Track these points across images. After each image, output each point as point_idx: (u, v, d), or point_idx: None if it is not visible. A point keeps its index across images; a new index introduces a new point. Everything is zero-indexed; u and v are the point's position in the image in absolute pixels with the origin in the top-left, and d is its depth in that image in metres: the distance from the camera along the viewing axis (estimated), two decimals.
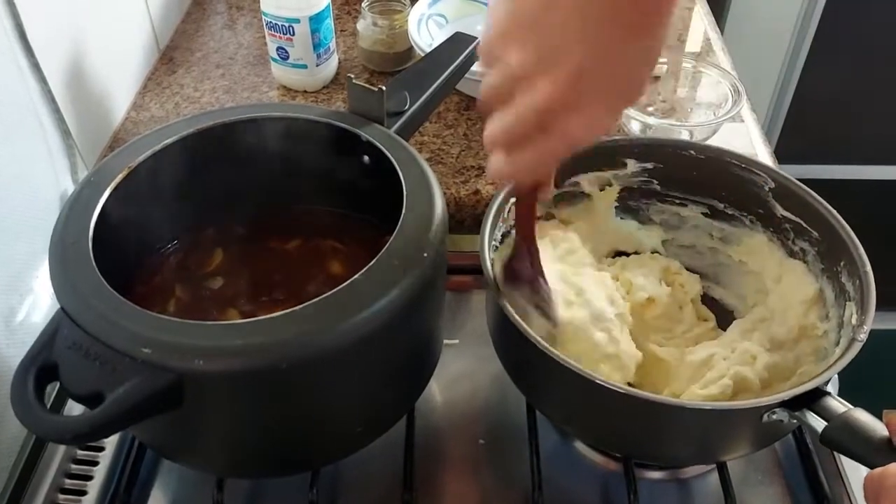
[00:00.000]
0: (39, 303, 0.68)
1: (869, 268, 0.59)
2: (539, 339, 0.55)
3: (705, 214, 0.73)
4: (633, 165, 0.72)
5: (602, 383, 0.53)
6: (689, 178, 0.72)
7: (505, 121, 0.47)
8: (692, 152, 0.70)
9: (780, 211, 0.68)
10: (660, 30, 0.45)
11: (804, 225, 0.66)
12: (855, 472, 0.65)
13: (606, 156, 0.72)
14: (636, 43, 0.44)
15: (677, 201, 0.74)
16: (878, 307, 0.57)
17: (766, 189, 0.68)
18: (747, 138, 0.91)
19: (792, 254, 0.68)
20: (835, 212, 0.64)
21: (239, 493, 0.64)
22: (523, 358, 0.60)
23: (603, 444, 0.65)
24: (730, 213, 0.72)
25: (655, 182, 0.73)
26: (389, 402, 0.60)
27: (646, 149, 0.72)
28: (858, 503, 0.63)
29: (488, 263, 0.60)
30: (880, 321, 0.58)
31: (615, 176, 0.73)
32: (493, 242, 0.64)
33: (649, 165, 0.72)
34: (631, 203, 0.75)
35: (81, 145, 0.79)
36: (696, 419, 0.55)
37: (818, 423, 0.50)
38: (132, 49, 0.98)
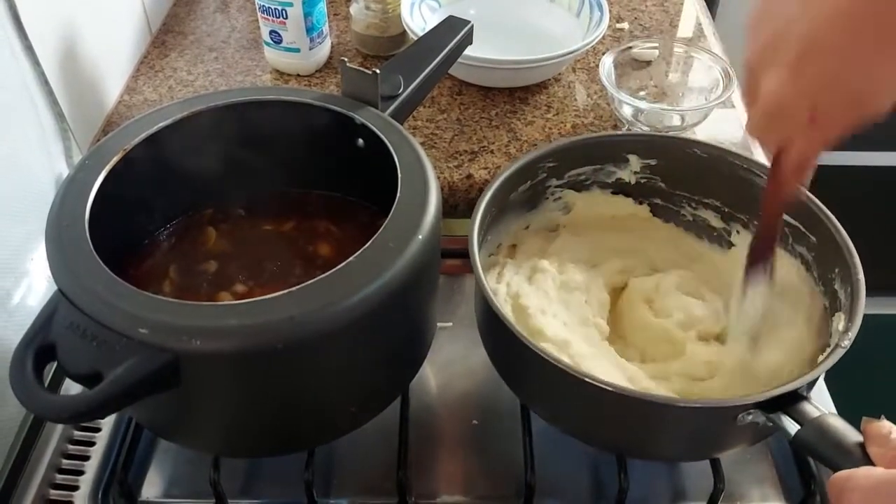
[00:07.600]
0: (35, 286, 0.69)
1: (862, 276, 0.58)
2: (521, 330, 0.55)
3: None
4: (635, 162, 0.72)
5: (577, 374, 0.52)
6: (692, 177, 0.71)
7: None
8: (696, 151, 0.69)
9: None
10: None
11: (802, 229, 0.65)
12: None
13: (609, 150, 0.72)
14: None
15: (682, 200, 0.73)
16: None
17: None
18: (737, 123, 0.92)
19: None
20: (833, 217, 0.62)
21: (235, 472, 0.64)
22: (508, 351, 0.60)
23: (586, 439, 0.63)
24: (730, 213, 0.71)
25: (659, 179, 0.73)
26: (384, 383, 0.61)
27: (649, 145, 0.71)
28: None
29: (476, 250, 0.61)
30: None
31: (618, 171, 0.73)
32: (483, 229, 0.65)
33: (652, 162, 0.72)
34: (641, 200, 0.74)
35: (75, 129, 0.79)
36: (671, 415, 0.54)
37: (792, 427, 0.49)
38: (124, 32, 0.97)
